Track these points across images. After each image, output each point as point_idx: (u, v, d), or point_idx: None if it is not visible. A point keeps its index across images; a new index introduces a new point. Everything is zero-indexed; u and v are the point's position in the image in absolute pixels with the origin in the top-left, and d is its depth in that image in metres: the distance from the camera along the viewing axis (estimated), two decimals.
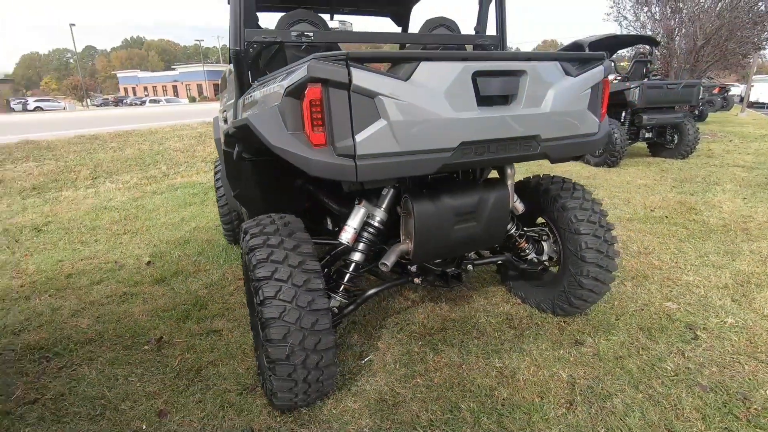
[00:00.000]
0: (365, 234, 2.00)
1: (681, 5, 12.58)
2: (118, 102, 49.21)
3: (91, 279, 3.30)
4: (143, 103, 44.67)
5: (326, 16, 2.97)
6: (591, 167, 7.13)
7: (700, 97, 7.76)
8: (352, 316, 2.58)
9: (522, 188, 2.55)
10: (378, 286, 2.13)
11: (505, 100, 1.70)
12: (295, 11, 2.33)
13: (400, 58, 1.51)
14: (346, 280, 1.99)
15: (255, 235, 1.74)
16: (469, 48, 2.82)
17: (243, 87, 2.09)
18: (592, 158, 7.19)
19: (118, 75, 71.23)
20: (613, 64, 8.02)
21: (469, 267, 2.31)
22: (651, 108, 7.14)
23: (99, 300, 2.97)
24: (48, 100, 42.71)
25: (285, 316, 1.58)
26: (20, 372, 2.20)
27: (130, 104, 45.76)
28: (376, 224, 1.99)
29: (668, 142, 7.71)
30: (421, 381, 2.03)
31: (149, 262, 3.57)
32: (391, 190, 1.99)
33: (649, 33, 12.79)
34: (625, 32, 13.36)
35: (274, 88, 1.63)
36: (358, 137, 1.46)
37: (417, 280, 2.18)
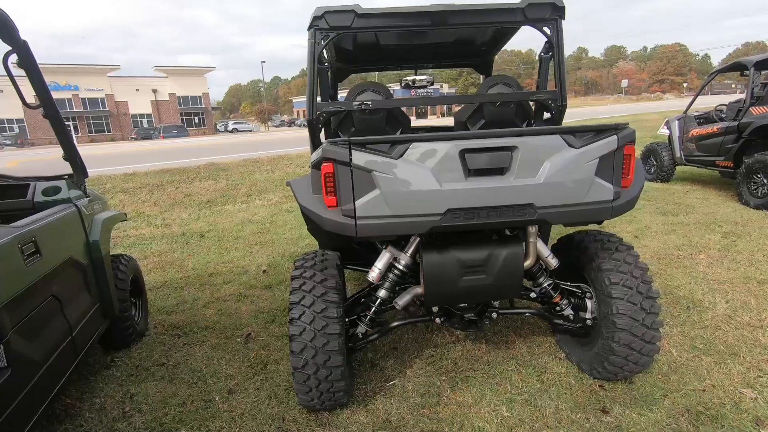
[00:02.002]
0: (390, 275, 2.34)
1: None
2: (290, 123, 58.34)
3: (224, 279, 4.32)
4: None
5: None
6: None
7: None
8: (393, 344, 2.91)
9: (565, 243, 2.55)
10: (402, 320, 2.44)
11: (500, 170, 1.88)
12: (362, 83, 2.84)
13: (394, 141, 1.85)
14: (372, 312, 2.36)
15: (298, 267, 2.26)
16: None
17: (315, 147, 2.66)
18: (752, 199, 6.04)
19: (293, 100, 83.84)
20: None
21: (494, 315, 2.44)
22: None
23: (224, 296, 3.91)
24: (242, 123, 53.27)
25: (303, 334, 2.04)
26: (161, 342, 3.14)
27: (300, 125, 53.66)
28: (401, 267, 2.32)
29: None
30: (428, 412, 2.26)
31: (265, 271, 4.47)
32: (417, 238, 2.29)
33: None
34: None
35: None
36: (358, 203, 1.85)
37: (438, 321, 2.42)
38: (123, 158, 13.74)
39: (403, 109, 3.04)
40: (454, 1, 2.49)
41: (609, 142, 1.88)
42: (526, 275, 2.46)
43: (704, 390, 2.31)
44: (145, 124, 47.31)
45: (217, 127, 51.63)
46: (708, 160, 7.01)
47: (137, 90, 47.07)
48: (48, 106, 2.41)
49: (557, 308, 2.49)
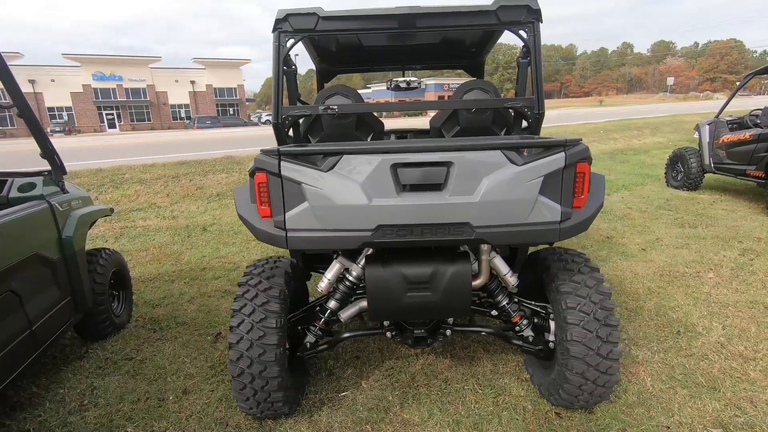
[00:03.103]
0: (341, 286, 2.29)
1: None
2: None
3: (214, 274, 4.39)
4: None
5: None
6: None
7: None
8: (357, 352, 2.87)
9: (532, 260, 2.42)
10: (354, 331, 2.39)
11: (437, 186, 1.78)
12: (332, 87, 2.78)
13: (325, 153, 1.78)
14: (321, 321, 2.32)
15: (246, 274, 2.24)
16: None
17: None
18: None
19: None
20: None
21: (447, 332, 2.34)
22: None
23: (209, 292, 3.97)
24: None
25: (240, 343, 2.02)
26: (137, 336, 3.22)
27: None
28: (351, 278, 2.27)
29: None
30: (370, 428, 2.20)
31: None
32: (370, 249, 2.23)
33: None
34: None
35: None
36: (288, 215, 1.81)
37: (388, 335, 2.35)
38: (152, 148, 14.27)
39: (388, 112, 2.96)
40: (425, 2, 2.39)
41: (555, 160, 1.75)
42: (485, 292, 2.37)
43: (668, 427, 2.14)
44: (183, 114, 48.99)
45: (251, 117, 52.74)
46: (738, 168, 6.53)
47: (176, 81, 48.67)
48: (21, 106, 2.49)
49: (517, 328, 2.37)
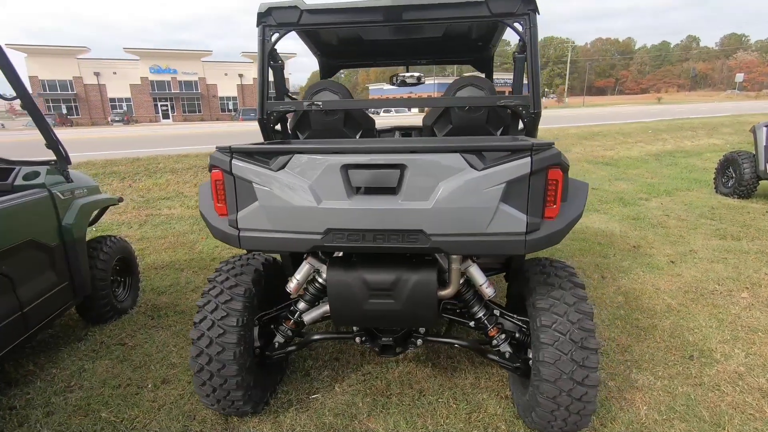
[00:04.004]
0: (310, 288, 2.23)
1: None
2: None
3: None
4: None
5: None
6: None
7: None
8: (337, 354, 2.81)
9: (514, 271, 2.26)
10: (323, 334, 2.33)
11: (391, 190, 1.68)
12: (320, 82, 2.71)
13: (275, 151, 1.72)
14: (291, 323, 2.28)
15: (217, 270, 2.23)
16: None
17: None
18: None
19: (370, 87, 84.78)
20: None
21: (418, 342, 2.23)
22: None
23: None
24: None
25: (200, 340, 2.02)
26: (135, 322, 3.33)
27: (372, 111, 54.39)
28: (321, 280, 2.20)
29: None
30: None
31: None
32: (341, 252, 2.15)
33: None
34: None
35: None
36: (240, 214, 1.76)
37: (357, 340, 2.27)
38: (194, 139, 14.89)
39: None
40: None
41: (519, 165, 1.59)
42: (461, 302, 2.23)
43: None
44: (231, 107, 50.88)
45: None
46: None
47: (225, 74, 50.56)
48: (24, 98, 2.61)
49: (494, 342, 2.22)
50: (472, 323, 2.26)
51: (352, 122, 2.75)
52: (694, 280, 3.91)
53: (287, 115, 2.81)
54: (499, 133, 2.66)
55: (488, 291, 2.13)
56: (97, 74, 44.53)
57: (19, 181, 2.79)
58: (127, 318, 3.39)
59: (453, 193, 1.61)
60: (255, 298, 2.17)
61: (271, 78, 2.67)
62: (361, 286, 1.93)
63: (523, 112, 2.39)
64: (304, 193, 1.68)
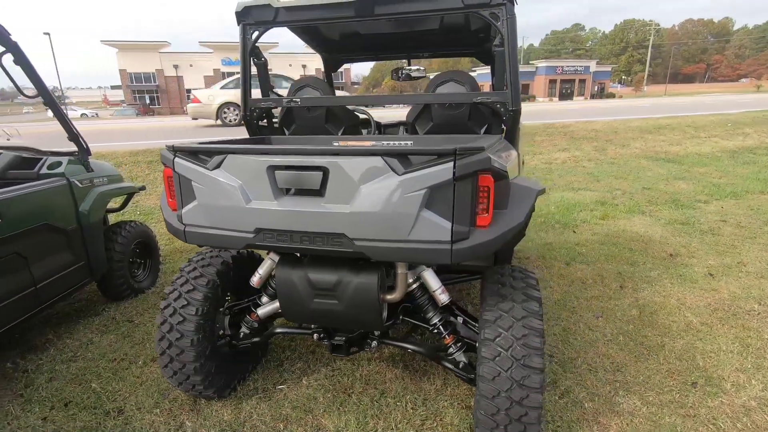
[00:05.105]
0: (271, 282, 2.29)
1: None
2: None
3: None
4: None
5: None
6: None
7: None
8: (314, 346, 2.86)
9: (483, 278, 2.15)
10: (285, 327, 2.39)
11: (317, 192, 1.66)
12: (303, 78, 2.72)
13: (212, 151, 1.76)
14: (254, 315, 2.36)
15: (189, 261, 2.36)
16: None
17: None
18: None
19: None
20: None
21: (373, 344, 2.21)
22: None
23: None
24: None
25: (163, 326, 2.15)
26: (147, 301, 3.62)
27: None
28: None
29: None
30: (282, 427, 2.20)
31: None
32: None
33: None
34: None
35: None
36: (184, 210, 1.85)
37: (315, 336, 2.29)
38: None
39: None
40: None
41: (441, 170, 1.49)
42: (416, 308, 2.18)
43: None
44: None
45: None
46: None
47: (290, 65, 52.38)
48: (45, 95, 2.90)
49: (450, 350, 2.14)
50: (431, 328, 2.19)
51: (334, 119, 2.75)
52: (731, 297, 3.47)
53: (275, 111, 2.87)
54: (482, 131, 2.52)
55: (442, 297, 2.06)
56: (176, 66, 48.19)
57: (44, 170, 3.12)
58: (142, 297, 3.69)
59: (371, 198, 1.56)
60: (219, 289, 2.26)
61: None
62: (306, 285, 1.95)
63: (501, 109, 2.25)
64: (235, 192, 1.72)
